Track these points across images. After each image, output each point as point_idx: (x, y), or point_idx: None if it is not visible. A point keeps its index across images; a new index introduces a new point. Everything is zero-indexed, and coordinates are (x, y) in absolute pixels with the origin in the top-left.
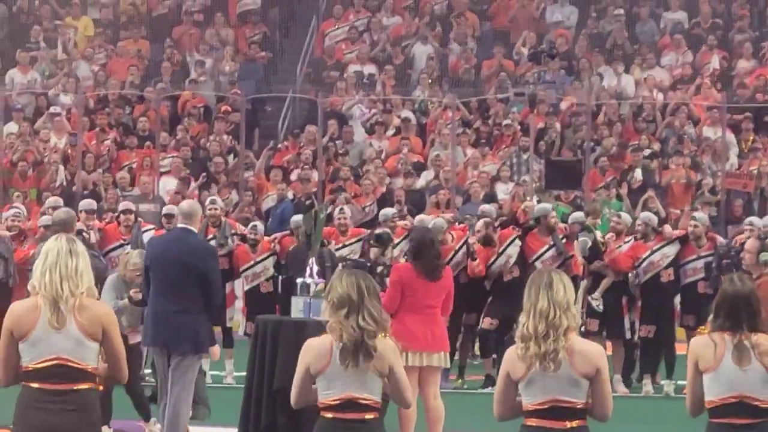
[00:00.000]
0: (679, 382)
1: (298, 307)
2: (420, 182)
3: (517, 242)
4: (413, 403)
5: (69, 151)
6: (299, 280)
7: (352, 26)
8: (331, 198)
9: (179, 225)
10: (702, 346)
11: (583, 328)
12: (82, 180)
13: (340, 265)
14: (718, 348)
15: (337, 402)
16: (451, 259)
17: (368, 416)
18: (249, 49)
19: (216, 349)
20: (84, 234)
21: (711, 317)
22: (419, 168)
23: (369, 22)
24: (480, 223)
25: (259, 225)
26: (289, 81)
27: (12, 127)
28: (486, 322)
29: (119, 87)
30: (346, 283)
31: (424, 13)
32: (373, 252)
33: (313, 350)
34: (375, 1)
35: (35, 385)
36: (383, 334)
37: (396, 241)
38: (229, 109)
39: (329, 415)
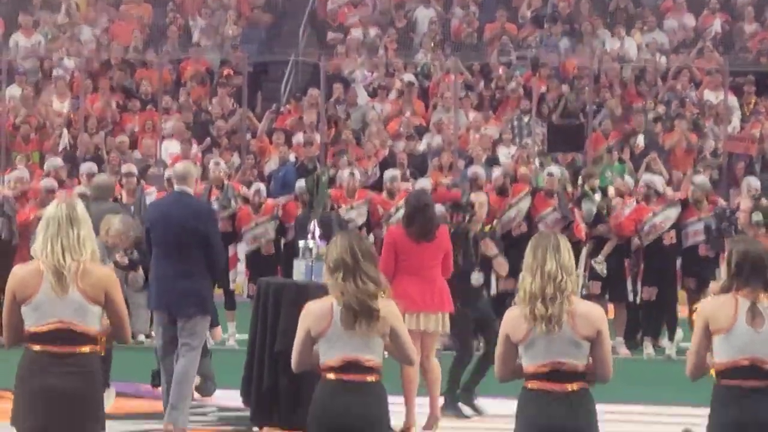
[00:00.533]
0: (681, 345)
1: (300, 269)
2: (422, 145)
3: (528, 198)
4: (417, 361)
5: (72, 114)
6: (301, 243)
7: None
8: (334, 161)
9: (175, 188)
10: (714, 306)
11: (584, 291)
12: (84, 143)
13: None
14: (731, 309)
15: (340, 363)
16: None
17: (370, 378)
18: (251, 12)
19: (218, 330)
20: (117, 196)
21: (723, 278)
22: (421, 131)
23: None
24: (498, 172)
25: (263, 187)
26: (292, 44)
27: (15, 90)
28: (502, 283)
29: (122, 51)
30: (341, 246)
31: None
32: (455, 220)
33: (313, 313)
34: None
35: (37, 347)
36: (383, 294)
37: (399, 204)
38: (232, 72)
39: (331, 376)
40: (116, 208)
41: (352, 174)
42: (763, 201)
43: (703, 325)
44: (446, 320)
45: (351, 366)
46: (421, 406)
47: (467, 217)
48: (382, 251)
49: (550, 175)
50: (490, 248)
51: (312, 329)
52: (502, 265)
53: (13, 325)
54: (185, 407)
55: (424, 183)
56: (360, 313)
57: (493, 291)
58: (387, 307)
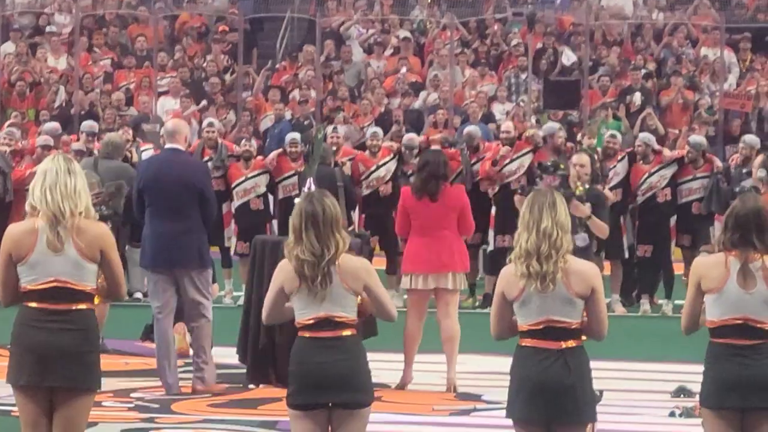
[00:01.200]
0: (677, 302)
1: None
2: (418, 102)
3: (531, 155)
4: (395, 317)
5: (68, 72)
6: (297, 201)
7: None
8: (330, 118)
9: (167, 145)
10: (707, 266)
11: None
12: (79, 100)
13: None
14: (723, 269)
15: (312, 321)
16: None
17: (345, 333)
18: None
19: (215, 287)
20: (127, 154)
21: (719, 235)
22: (417, 88)
23: None
24: (509, 125)
25: (253, 142)
26: (287, 1)
27: (9, 47)
28: (499, 240)
29: (116, 6)
30: (295, 210)
31: None
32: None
33: (286, 271)
34: None
35: (34, 304)
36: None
37: (383, 160)
38: (227, 29)
39: (307, 334)
40: (125, 167)
41: (335, 129)
42: None
43: (696, 283)
44: (462, 279)
45: (324, 323)
46: (422, 363)
47: (560, 180)
48: (397, 213)
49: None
50: (580, 210)
51: (285, 286)
52: (597, 225)
53: (9, 284)
54: (212, 364)
55: (413, 139)
56: (303, 278)
57: (490, 247)
58: (358, 262)
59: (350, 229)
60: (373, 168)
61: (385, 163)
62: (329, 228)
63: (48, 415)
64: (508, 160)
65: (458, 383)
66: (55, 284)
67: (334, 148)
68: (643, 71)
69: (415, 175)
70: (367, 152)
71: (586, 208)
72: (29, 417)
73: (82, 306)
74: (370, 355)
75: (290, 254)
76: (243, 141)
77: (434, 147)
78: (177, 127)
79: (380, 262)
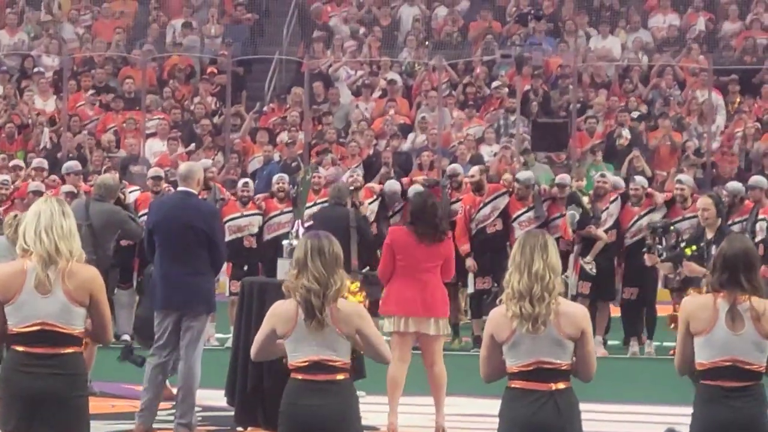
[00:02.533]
0: (665, 344)
1: (284, 269)
2: (407, 144)
3: (506, 197)
4: (389, 360)
5: (55, 113)
6: (285, 242)
7: None
8: (317, 160)
9: (179, 188)
10: (695, 308)
11: (574, 291)
12: (66, 142)
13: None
14: (712, 311)
15: (306, 364)
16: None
17: (339, 377)
18: (235, 10)
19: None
20: (120, 196)
21: (708, 277)
22: (406, 130)
23: None
24: (475, 169)
25: (250, 182)
26: (276, 43)
27: None
28: (479, 282)
29: (105, 49)
30: (300, 245)
31: None
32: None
33: (278, 315)
34: None
35: (21, 348)
36: (350, 296)
37: (367, 201)
38: (215, 71)
39: (300, 376)
40: (116, 210)
41: (316, 170)
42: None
43: (685, 324)
44: (445, 323)
45: (317, 366)
46: (411, 405)
47: (676, 240)
48: (382, 252)
49: (518, 181)
50: (694, 270)
51: (278, 329)
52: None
53: None
54: (193, 404)
55: (393, 184)
56: (305, 311)
57: (470, 290)
58: (351, 307)
59: (364, 270)
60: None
61: (372, 202)
62: (332, 264)
63: None
64: (481, 204)
65: (446, 426)
66: (41, 327)
67: (353, 188)
68: (636, 113)
69: (421, 214)
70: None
71: (700, 269)
72: None
73: (70, 350)
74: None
75: (295, 286)
76: (242, 181)
77: (415, 187)
78: (190, 170)
79: None
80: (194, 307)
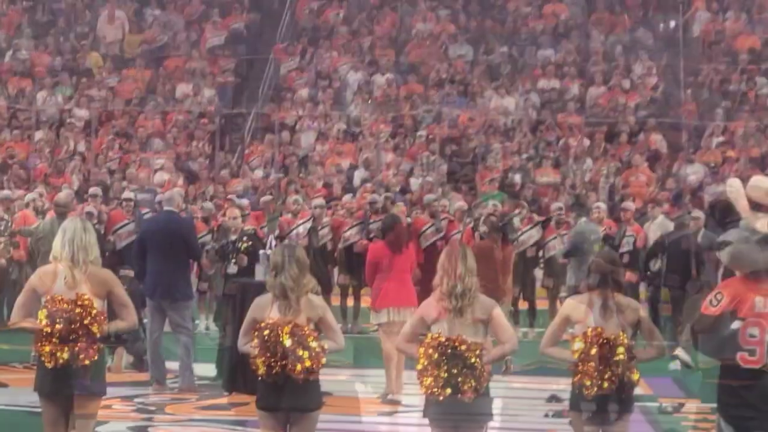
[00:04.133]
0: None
1: (259, 272)
2: (356, 179)
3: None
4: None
5: (85, 153)
6: (261, 252)
7: (301, 59)
8: (286, 189)
9: (165, 208)
10: (575, 305)
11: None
12: (94, 176)
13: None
14: (587, 307)
15: None
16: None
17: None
18: (223, 75)
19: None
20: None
21: (584, 280)
22: (352, 168)
23: (313, 56)
24: (380, 196)
25: (244, 201)
26: (253, 99)
27: (40, 134)
28: None
29: (124, 104)
30: (277, 252)
31: (354, 49)
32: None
33: (258, 305)
34: (318, 39)
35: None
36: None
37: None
38: (207, 121)
39: None
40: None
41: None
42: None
43: (564, 316)
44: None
45: None
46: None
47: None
48: (366, 264)
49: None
50: None
51: (257, 318)
52: None
53: (22, 311)
54: (191, 372)
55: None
56: (282, 300)
57: None
58: (316, 300)
59: None
60: (294, 226)
61: (302, 223)
62: (304, 267)
63: (65, 416)
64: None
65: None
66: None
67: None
68: (525, 155)
69: (390, 231)
70: (290, 215)
71: None
72: (50, 418)
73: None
74: (354, 371)
75: (273, 283)
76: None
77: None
78: (172, 195)
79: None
80: (173, 295)
